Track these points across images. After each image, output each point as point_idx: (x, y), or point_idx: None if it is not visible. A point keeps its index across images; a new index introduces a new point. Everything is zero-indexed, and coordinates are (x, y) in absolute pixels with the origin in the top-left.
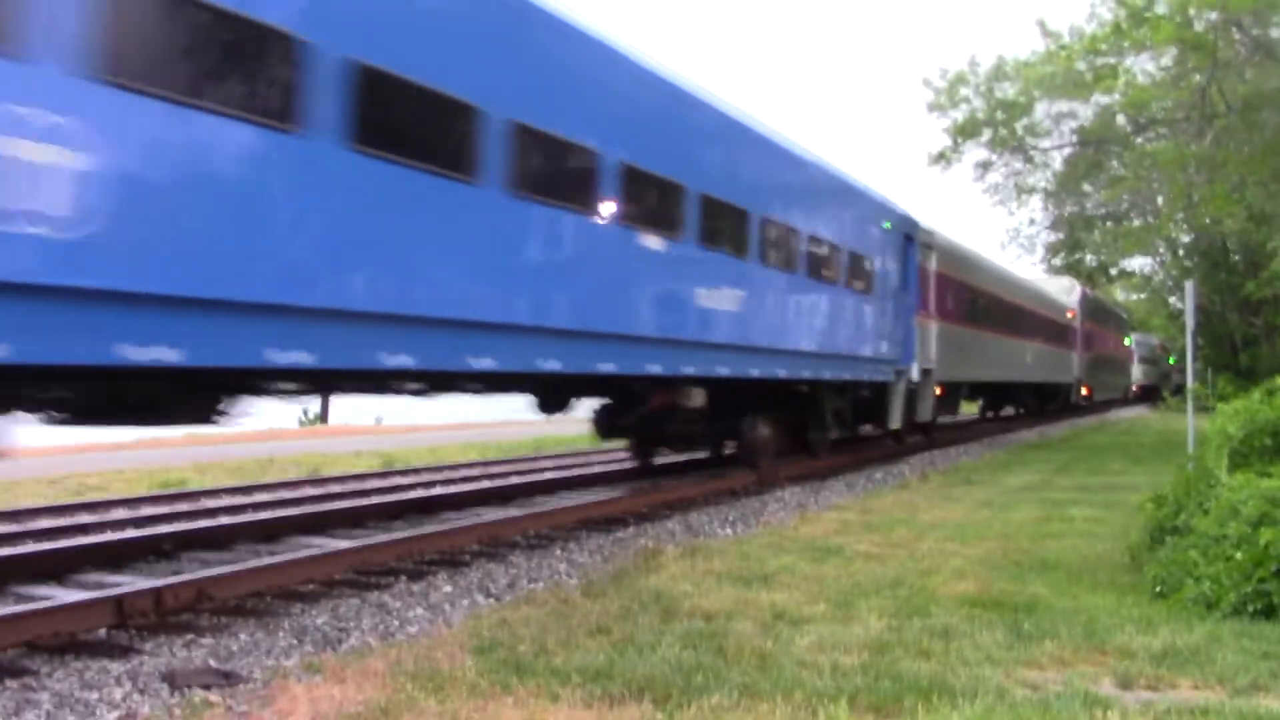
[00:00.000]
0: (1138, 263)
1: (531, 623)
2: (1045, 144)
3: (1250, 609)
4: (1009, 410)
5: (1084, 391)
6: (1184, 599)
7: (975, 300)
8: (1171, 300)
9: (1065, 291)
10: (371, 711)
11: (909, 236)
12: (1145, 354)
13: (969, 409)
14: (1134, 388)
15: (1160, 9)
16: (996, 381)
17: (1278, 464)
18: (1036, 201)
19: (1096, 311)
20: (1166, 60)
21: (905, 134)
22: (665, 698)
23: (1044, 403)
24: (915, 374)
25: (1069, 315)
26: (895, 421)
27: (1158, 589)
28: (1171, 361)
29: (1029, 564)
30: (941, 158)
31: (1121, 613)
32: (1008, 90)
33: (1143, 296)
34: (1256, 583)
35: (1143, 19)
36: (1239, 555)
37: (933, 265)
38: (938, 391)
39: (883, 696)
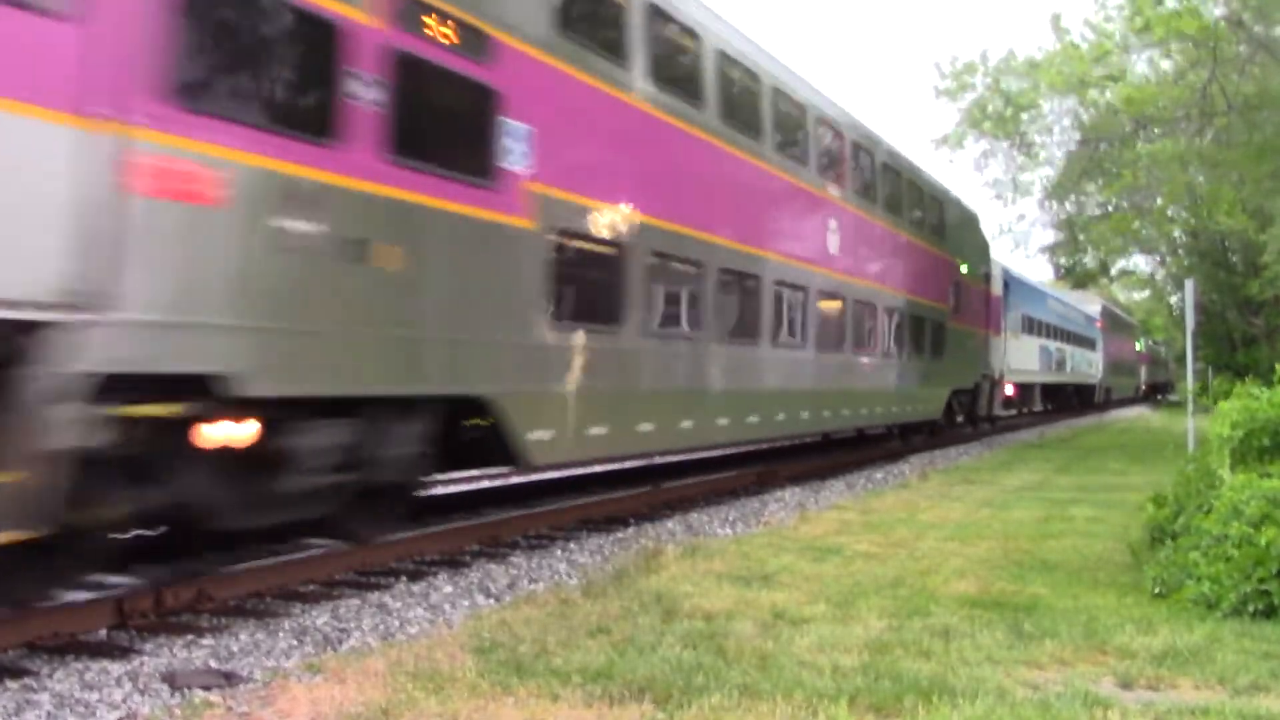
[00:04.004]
0: (1138, 261)
1: (532, 623)
2: (1047, 139)
3: (1251, 609)
4: None
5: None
6: (1184, 599)
7: None
8: (1173, 300)
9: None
10: (372, 712)
11: None
12: (1048, 318)
13: None
14: (1002, 391)
15: (1171, 3)
16: None
17: (1278, 463)
18: (1032, 197)
19: (783, 125)
20: (1167, 57)
21: (906, 114)
22: (665, 698)
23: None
24: None
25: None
26: None
27: (1158, 589)
28: (1141, 348)
29: (1029, 564)
30: (948, 140)
31: (1122, 613)
32: (1014, 85)
33: (1145, 295)
34: (1257, 583)
35: (1155, 18)
36: (1239, 555)
37: None
38: None
39: (883, 696)
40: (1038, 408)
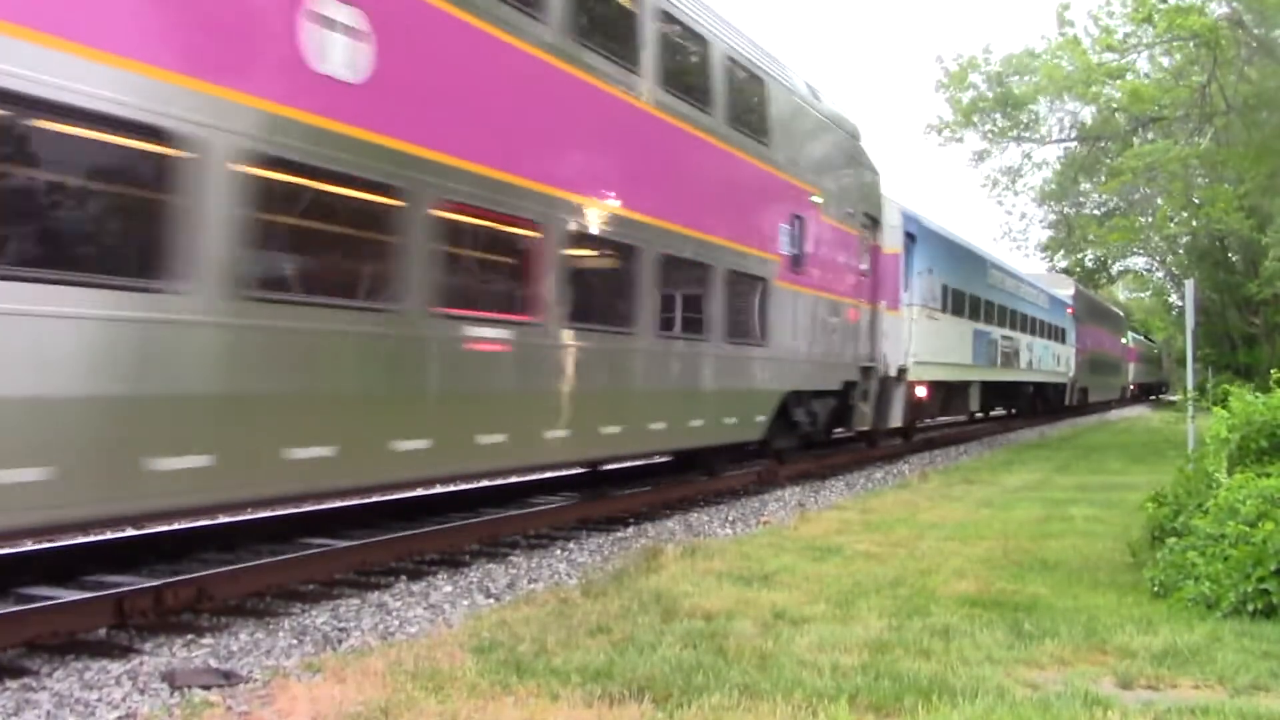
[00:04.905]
0: (1137, 261)
1: (531, 623)
2: (1045, 136)
3: (1250, 608)
4: None
5: None
6: (1184, 599)
7: None
8: (1172, 299)
9: None
10: (371, 711)
11: None
12: (991, 294)
13: None
14: (911, 393)
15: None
16: None
17: (1276, 463)
18: (1029, 196)
19: None
20: (1168, 55)
21: (902, 104)
22: (665, 697)
23: None
24: None
25: None
26: None
27: (1157, 589)
28: (1129, 343)
29: (1029, 563)
30: (941, 129)
31: (1122, 612)
32: (1015, 83)
33: (1146, 294)
34: (1256, 582)
35: (1160, 14)
36: (1237, 554)
37: None
38: None
39: (883, 696)
40: (977, 414)
